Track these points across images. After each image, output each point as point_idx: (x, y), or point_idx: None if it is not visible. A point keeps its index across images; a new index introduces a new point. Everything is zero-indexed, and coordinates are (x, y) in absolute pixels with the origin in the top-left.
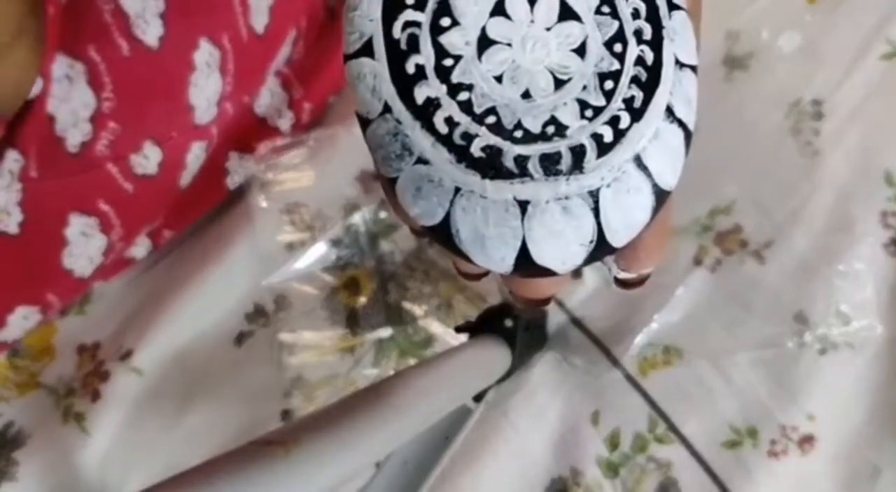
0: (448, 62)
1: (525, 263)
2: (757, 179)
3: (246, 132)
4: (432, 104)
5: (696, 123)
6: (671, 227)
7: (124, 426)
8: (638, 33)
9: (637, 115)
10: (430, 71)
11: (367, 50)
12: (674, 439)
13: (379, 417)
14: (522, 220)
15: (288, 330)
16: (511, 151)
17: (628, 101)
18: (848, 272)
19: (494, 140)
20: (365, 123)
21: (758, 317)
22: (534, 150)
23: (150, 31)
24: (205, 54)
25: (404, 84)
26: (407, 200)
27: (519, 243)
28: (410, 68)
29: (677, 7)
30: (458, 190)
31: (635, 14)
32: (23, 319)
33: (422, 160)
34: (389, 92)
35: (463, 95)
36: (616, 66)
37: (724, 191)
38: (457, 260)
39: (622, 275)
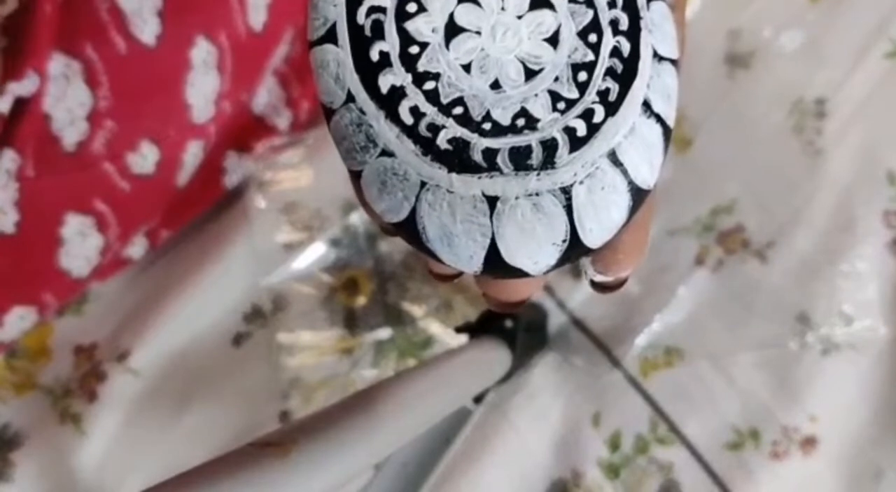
0: (414, 50)
1: (495, 263)
2: (759, 178)
3: (244, 131)
4: (397, 93)
5: (699, 121)
6: (650, 228)
7: (121, 427)
8: (614, 23)
9: (612, 108)
10: (394, 58)
11: (330, 36)
12: (675, 440)
13: (378, 418)
14: (491, 217)
15: (286, 331)
16: (479, 143)
17: (603, 94)
18: (850, 272)
19: (461, 132)
20: (329, 113)
21: (760, 317)
22: (503, 143)
23: (147, 30)
24: (202, 52)
25: (368, 72)
26: (372, 194)
27: (488, 241)
28: (374, 55)
29: None
30: (423, 184)
31: (611, 3)
32: (19, 320)
33: (386, 152)
34: (353, 80)
35: (429, 85)
36: (590, 57)
37: (725, 190)
38: (428, 260)
39: (598, 278)
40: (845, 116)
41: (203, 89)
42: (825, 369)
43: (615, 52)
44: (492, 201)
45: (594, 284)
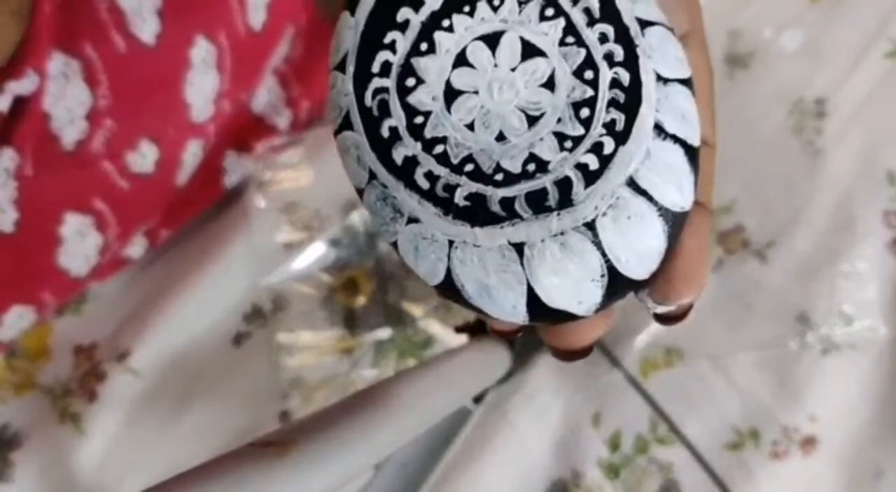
0: (419, 120)
1: (539, 309)
2: (759, 178)
3: (243, 131)
4: (411, 163)
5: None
6: (706, 251)
7: (121, 427)
8: (609, 57)
9: (621, 138)
10: (403, 131)
11: (346, 123)
12: (675, 440)
13: (378, 418)
14: (522, 263)
15: (286, 331)
16: (495, 195)
17: (609, 126)
18: (850, 272)
19: (476, 187)
20: (360, 194)
21: (760, 317)
22: (518, 190)
23: (147, 28)
24: (201, 51)
25: (383, 148)
26: (410, 261)
27: (524, 288)
28: (385, 132)
29: (651, 23)
30: (451, 243)
31: (603, 38)
32: (18, 319)
33: (412, 219)
34: (371, 159)
35: (438, 149)
36: (589, 92)
37: (725, 190)
38: (488, 320)
39: (660, 309)
40: (845, 116)
41: (202, 89)
42: (825, 368)
43: (615, 83)
44: (519, 248)
45: (657, 317)
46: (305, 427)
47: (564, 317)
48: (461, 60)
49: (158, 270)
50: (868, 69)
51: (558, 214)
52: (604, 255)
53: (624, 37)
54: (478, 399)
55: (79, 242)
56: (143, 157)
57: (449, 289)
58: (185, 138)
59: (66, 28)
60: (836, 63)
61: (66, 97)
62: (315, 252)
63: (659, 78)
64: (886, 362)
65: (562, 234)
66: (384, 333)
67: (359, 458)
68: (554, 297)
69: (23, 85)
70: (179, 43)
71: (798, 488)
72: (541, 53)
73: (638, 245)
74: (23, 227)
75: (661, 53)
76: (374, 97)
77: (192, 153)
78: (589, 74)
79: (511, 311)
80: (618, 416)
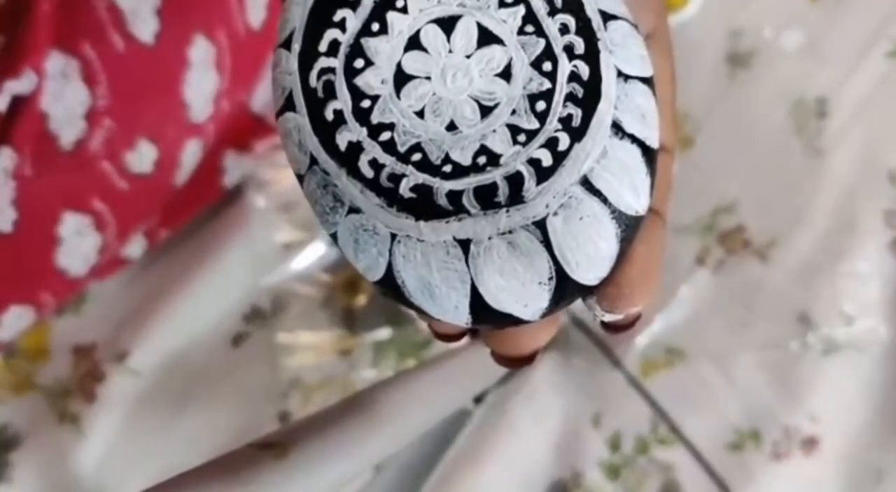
0: (366, 104)
1: (483, 311)
2: (760, 178)
3: (243, 130)
4: (355, 149)
5: (700, 121)
6: (660, 258)
7: (121, 428)
8: (569, 49)
9: (577, 134)
10: (348, 115)
11: (289, 104)
12: (676, 440)
13: (377, 419)
14: (467, 261)
15: (286, 331)
16: (442, 187)
17: (565, 121)
18: (852, 272)
19: (423, 178)
20: (301, 180)
21: (761, 317)
22: (466, 183)
23: (146, 28)
24: (200, 51)
25: (326, 133)
26: (350, 254)
27: (468, 288)
28: (329, 115)
29: (614, 17)
30: (394, 237)
31: (563, 29)
32: (17, 319)
33: (354, 209)
34: (313, 143)
35: (385, 135)
36: (547, 85)
37: (726, 190)
38: (430, 320)
39: (607, 317)
40: (846, 116)
41: (202, 88)
42: (826, 369)
43: (573, 77)
44: (465, 245)
45: (604, 325)
46: (305, 428)
47: (509, 321)
48: (414, 44)
49: (158, 270)
50: (869, 69)
51: (507, 211)
52: (553, 256)
53: (586, 29)
54: (478, 399)
55: (77, 242)
56: (142, 156)
57: (389, 286)
58: (185, 138)
59: (65, 27)
60: (836, 63)
61: (64, 97)
62: (315, 252)
63: (620, 74)
64: (887, 363)
65: (510, 232)
66: (384, 333)
67: (358, 459)
68: (499, 298)
69: (21, 84)
70: (178, 42)
71: (799, 489)
72: (498, 41)
73: (589, 248)
74: (21, 227)
75: (623, 49)
76: (319, 78)
77: (191, 153)
78: (547, 66)
79: (453, 311)
80: (618, 416)
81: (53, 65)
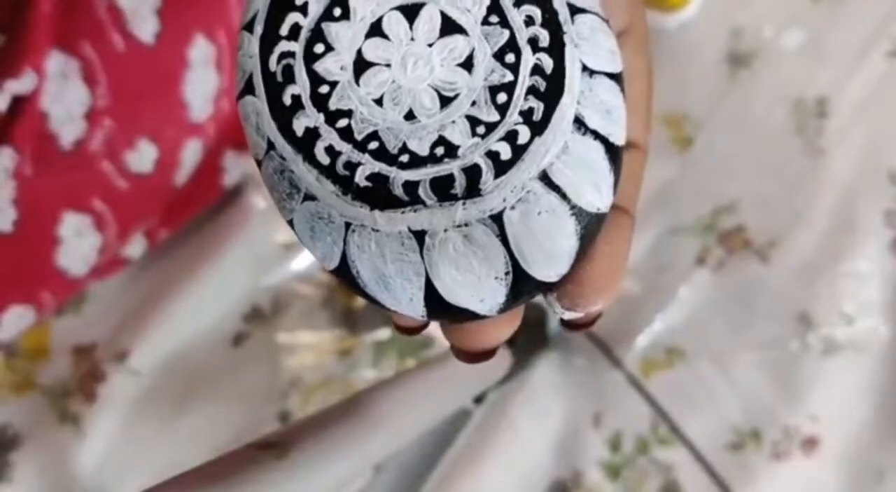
0: (324, 89)
1: (438, 305)
2: (760, 178)
3: (243, 130)
4: (311, 134)
5: (700, 121)
6: (624, 257)
7: (121, 427)
8: (533, 41)
9: (538, 128)
10: (306, 100)
11: (249, 88)
12: (676, 440)
13: (377, 419)
14: (421, 253)
15: (286, 331)
16: (398, 177)
17: (526, 114)
18: (852, 272)
19: (379, 167)
20: (259, 165)
21: (761, 317)
22: (423, 174)
23: (146, 28)
24: (201, 50)
25: (283, 117)
26: (306, 242)
27: (423, 280)
28: (287, 100)
29: (583, 11)
30: (349, 225)
31: (529, 21)
32: (17, 318)
33: (309, 196)
34: (271, 127)
35: (342, 122)
36: (509, 77)
37: (727, 190)
38: (386, 312)
39: (567, 315)
40: (846, 116)
41: (202, 88)
42: (826, 369)
43: (536, 69)
44: (420, 237)
45: (563, 323)
46: (304, 428)
47: (465, 315)
48: (376, 30)
49: (158, 270)
50: (869, 69)
51: (464, 204)
52: (509, 251)
53: (552, 22)
54: (478, 399)
55: (78, 242)
56: (142, 156)
57: (344, 275)
58: (184, 138)
59: (65, 27)
60: (837, 62)
61: (64, 96)
62: None
63: (585, 69)
64: (887, 362)
65: (466, 225)
66: (384, 333)
67: (358, 458)
68: (454, 292)
69: (21, 84)
70: (178, 42)
71: (799, 489)
72: (461, 31)
73: (547, 244)
74: (21, 226)
75: (590, 43)
76: (279, 61)
77: (191, 153)
78: (510, 58)
79: (408, 304)
80: (618, 416)
81: (53, 65)
